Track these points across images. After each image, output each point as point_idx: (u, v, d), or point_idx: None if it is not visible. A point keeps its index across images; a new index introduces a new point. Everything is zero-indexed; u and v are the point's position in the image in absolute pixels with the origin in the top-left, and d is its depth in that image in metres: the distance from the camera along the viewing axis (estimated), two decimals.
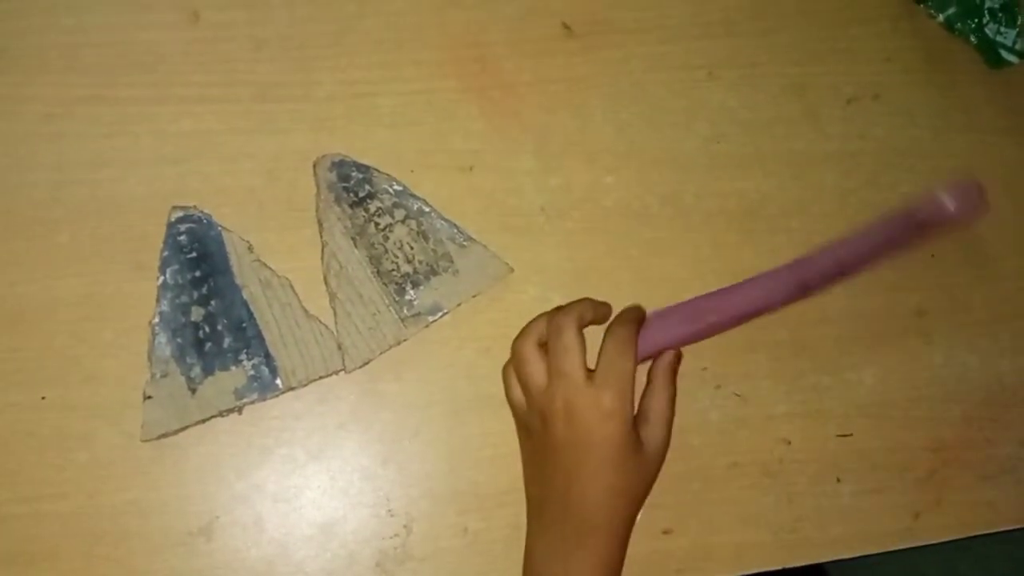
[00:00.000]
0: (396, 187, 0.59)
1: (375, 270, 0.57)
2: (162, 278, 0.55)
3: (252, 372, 0.55)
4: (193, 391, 0.54)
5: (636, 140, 0.63)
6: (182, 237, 0.56)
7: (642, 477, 0.53)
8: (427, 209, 0.59)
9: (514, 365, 0.54)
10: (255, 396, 0.55)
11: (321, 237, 0.58)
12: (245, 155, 0.59)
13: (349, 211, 0.58)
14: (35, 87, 0.58)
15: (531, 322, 0.55)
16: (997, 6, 0.68)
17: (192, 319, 0.55)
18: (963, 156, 0.68)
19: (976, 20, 0.68)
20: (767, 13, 0.68)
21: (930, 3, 0.69)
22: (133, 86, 0.59)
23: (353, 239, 0.57)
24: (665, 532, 0.58)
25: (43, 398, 0.53)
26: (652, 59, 0.65)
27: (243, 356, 0.55)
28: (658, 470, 0.54)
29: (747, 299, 0.58)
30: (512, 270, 0.59)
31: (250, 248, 0.57)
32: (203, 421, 0.54)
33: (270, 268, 0.57)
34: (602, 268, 0.61)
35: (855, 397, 0.62)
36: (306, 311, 0.56)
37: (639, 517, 0.57)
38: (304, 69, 0.61)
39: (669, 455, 0.58)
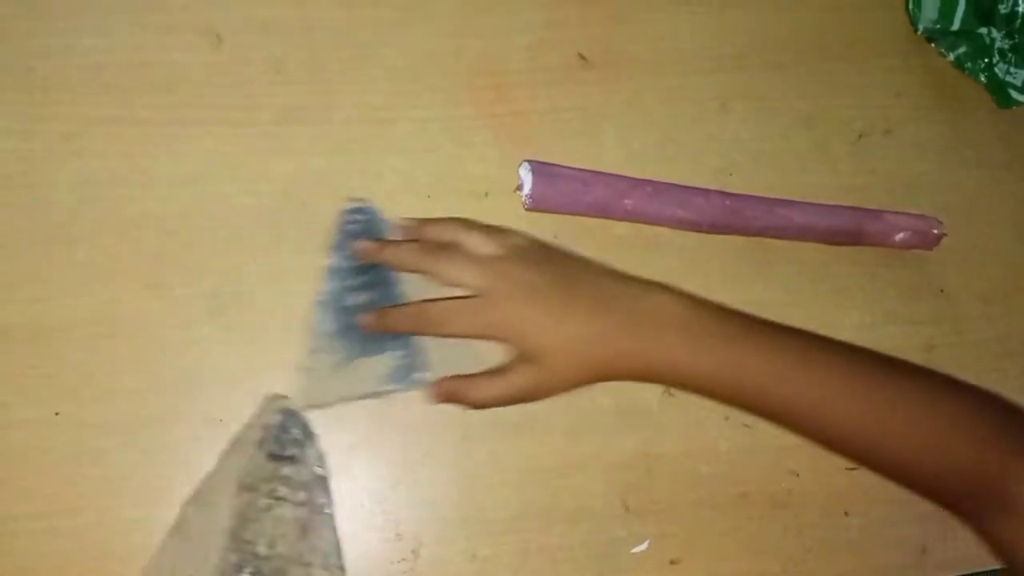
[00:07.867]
0: (319, 471, 0.55)
1: (230, 528, 0.52)
2: (331, 261, 0.58)
3: (400, 362, 0.57)
4: (343, 370, 0.56)
5: (648, 170, 0.64)
6: (353, 226, 0.59)
7: None
8: (328, 512, 0.54)
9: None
10: (400, 385, 0.57)
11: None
12: (263, 177, 0.59)
13: (260, 460, 0.54)
14: (56, 106, 0.59)
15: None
16: (1007, 47, 0.69)
17: (352, 303, 0.58)
18: (971, 192, 0.68)
19: (986, 60, 0.69)
20: (780, 48, 0.69)
21: (941, 42, 0.70)
22: (153, 107, 0.59)
23: (240, 484, 0.53)
24: (672, 562, 0.58)
25: (57, 414, 0.53)
26: (666, 91, 0.66)
27: (390, 346, 0.57)
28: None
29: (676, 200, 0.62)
30: None
31: None
32: (347, 400, 0.56)
33: None
34: None
35: None
36: None
37: (646, 546, 0.57)
38: (323, 93, 0.61)
39: (678, 484, 0.59)
